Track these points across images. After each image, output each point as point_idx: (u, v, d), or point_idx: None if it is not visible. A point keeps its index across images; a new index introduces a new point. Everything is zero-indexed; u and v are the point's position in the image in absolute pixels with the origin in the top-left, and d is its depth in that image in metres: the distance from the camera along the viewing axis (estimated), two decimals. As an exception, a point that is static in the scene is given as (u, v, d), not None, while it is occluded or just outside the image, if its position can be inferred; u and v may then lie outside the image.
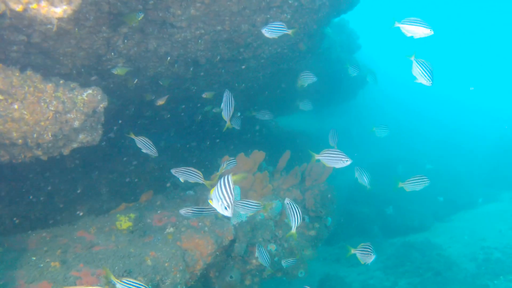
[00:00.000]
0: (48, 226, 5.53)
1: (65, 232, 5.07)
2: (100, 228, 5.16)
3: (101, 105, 4.89)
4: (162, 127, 10.53)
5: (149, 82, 8.51)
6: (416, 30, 5.09)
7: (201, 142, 10.34)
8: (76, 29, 6.02)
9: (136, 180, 7.75)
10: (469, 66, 42.65)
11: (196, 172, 5.06)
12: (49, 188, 6.63)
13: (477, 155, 20.13)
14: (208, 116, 9.91)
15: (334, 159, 5.29)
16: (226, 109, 5.51)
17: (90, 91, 4.72)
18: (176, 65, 8.10)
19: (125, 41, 6.71)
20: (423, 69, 4.92)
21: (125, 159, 8.01)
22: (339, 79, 12.53)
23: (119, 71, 7.13)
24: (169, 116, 9.67)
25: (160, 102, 7.35)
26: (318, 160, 5.50)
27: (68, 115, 4.66)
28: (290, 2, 7.04)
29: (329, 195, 6.97)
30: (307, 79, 8.02)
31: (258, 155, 6.31)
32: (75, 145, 5.44)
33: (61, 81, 4.79)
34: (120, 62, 7.35)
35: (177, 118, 10.19)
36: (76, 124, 4.74)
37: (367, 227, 12.78)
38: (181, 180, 5.10)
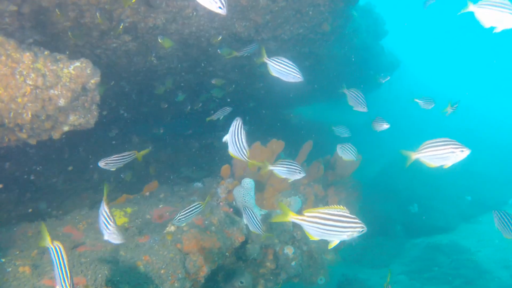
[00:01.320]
0: (36, 219, 4.81)
1: (51, 228, 4.34)
2: (91, 223, 4.41)
3: (92, 81, 4.11)
4: (171, 114, 9.79)
5: (160, 63, 7.75)
6: (503, 18, 3.57)
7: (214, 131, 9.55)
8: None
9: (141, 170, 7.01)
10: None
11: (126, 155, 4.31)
12: (38, 175, 5.92)
13: (507, 152, 18.88)
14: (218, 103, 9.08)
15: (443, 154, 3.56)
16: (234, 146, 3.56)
17: (78, 64, 3.94)
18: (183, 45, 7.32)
19: (129, 14, 5.94)
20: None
21: (126, 146, 7.27)
22: (365, 67, 11.58)
23: (165, 42, 6.30)
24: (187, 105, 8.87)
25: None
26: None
27: (51, 91, 3.89)
28: (315, -28, 6.16)
29: (355, 193, 6.12)
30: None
31: (277, 145, 5.47)
32: (66, 128, 4.69)
33: (46, 52, 4.02)
34: (127, 39, 6.59)
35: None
36: (62, 102, 3.97)
37: (389, 225, 11.85)
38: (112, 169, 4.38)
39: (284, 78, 4.31)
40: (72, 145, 6.73)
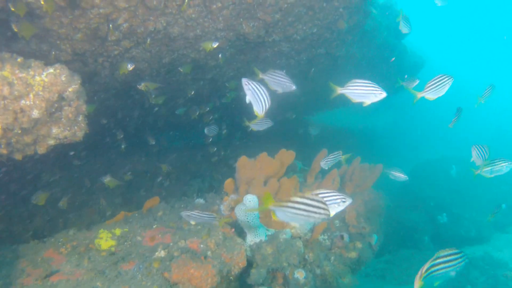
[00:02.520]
0: (21, 241, 4.37)
1: (32, 251, 3.88)
2: (76, 246, 3.94)
3: (70, 89, 3.64)
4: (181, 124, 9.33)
5: (167, 71, 7.29)
6: (366, 96, 4.17)
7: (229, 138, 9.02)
8: None
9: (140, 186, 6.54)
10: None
11: (209, 214, 3.85)
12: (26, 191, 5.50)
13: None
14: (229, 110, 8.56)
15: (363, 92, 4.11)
16: (259, 102, 3.74)
17: (51, 70, 3.48)
18: (190, 50, 6.84)
19: (127, 18, 5.50)
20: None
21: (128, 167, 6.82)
22: (386, 68, 10.86)
23: (184, 68, 6.01)
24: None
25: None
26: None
27: (22, 101, 3.44)
28: (325, -38, 5.57)
29: (376, 206, 5.46)
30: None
31: (286, 156, 4.88)
32: (51, 142, 4.25)
33: (19, 59, 3.57)
34: (127, 45, 6.17)
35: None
36: (36, 113, 3.51)
37: (417, 237, 11.02)
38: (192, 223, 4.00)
39: (280, 90, 4.37)
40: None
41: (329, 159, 4.41)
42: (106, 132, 7.40)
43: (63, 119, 4.06)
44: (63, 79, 3.49)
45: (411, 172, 14.56)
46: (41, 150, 4.30)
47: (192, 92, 7.15)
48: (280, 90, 4.34)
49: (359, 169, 5.54)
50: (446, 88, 4.64)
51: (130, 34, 5.90)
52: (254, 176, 4.58)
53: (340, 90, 4.25)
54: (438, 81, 4.65)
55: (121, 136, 7.08)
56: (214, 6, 5.70)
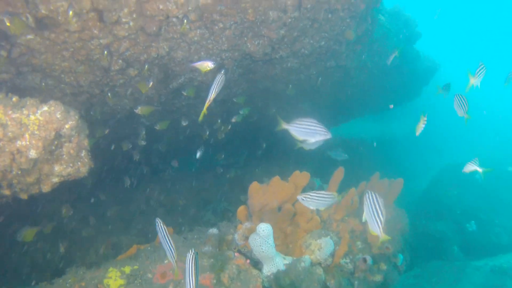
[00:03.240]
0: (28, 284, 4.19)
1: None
2: (84, 287, 3.74)
3: (67, 126, 3.48)
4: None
5: (175, 96, 7.15)
6: (309, 135, 4.06)
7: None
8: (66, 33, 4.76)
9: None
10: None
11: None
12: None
13: None
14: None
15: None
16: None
17: (45, 108, 3.33)
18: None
19: (128, 46, 5.37)
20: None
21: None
22: (399, 75, 10.53)
23: (189, 92, 5.89)
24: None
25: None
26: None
27: (18, 142, 3.28)
28: (326, -28, 5.36)
29: (398, 224, 5.13)
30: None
31: (301, 178, 4.61)
32: (55, 180, 4.10)
33: (14, 99, 3.43)
34: (132, 73, 6.04)
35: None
36: (33, 154, 3.35)
37: (445, 247, 10.50)
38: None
39: (312, 139, 4.08)
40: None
41: (312, 198, 3.94)
42: (116, 162, 7.28)
43: (64, 156, 3.90)
44: (58, 116, 3.33)
45: (434, 178, 14.08)
46: (46, 188, 4.15)
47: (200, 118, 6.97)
48: (312, 140, 4.05)
49: (378, 185, 5.23)
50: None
51: (133, 62, 5.78)
52: (267, 202, 4.33)
53: (285, 126, 4.12)
54: (482, 68, 5.06)
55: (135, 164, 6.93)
56: (216, 27, 5.53)
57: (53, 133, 3.38)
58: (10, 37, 4.57)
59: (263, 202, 4.34)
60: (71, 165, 3.99)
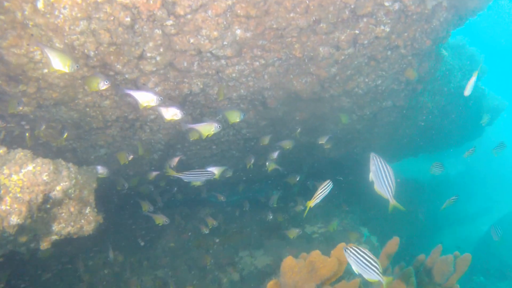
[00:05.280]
0: None
1: None
2: None
3: (58, 188, 2.78)
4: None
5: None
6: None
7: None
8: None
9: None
10: None
11: None
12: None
13: None
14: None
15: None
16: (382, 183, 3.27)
17: (30, 167, 2.64)
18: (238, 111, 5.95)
19: (157, 82, 4.72)
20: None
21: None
22: (460, 114, 9.33)
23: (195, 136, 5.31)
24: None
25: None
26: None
27: (-3, 207, 2.61)
28: (387, 4, 4.47)
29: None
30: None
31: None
32: (54, 237, 3.43)
33: (1, 151, 2.78)
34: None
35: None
36: (15, 219, 2.66)
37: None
38: None
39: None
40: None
41: (359, 258, 3.11)
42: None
43: (63, 215, 3.21)
44: (45, 178, 2.63)
45: (490, 229, 12.47)
46: (45, 245, 3.48)
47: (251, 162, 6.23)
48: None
49: (440, 263, 4.17)
50: None
51: (164, 98, 5.13)
52: (302, 283, 3.43)
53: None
54: None
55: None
56: (257, 64, 4.78)
57: (41, 195, 2.69)
58: (26, 72, 4.03)
59: (299, 283, 3.45)
60: (72, 223, 3.30)
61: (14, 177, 2.58)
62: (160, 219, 5.64)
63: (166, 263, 6.24)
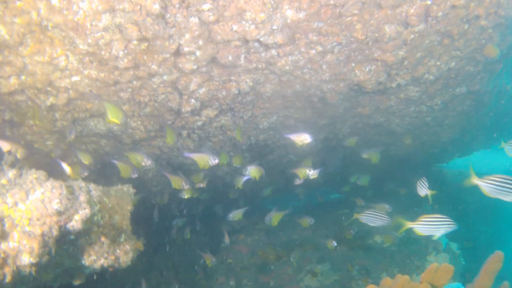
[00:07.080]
0: None
1: None
2: None
3: (76, 217, 2.13)
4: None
5: (265, 137, 5.72)
6: None
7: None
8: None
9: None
10: None
11: None
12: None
13: None
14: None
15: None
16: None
17: (39, 194, 2.00)
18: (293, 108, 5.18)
19: (200, 82, 4.05)
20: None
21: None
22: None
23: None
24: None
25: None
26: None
27: (3, 244, 2.00)
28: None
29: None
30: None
31: (440, 273, 2.78)
32: (88, 271, 2.83)
33: (11, 174, 2.19)
34: (211, 114, 4.73)
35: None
36: (27, 259, 2.04)
37: None
38: None
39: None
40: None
41: None
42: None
43: (94, 246, 2.58)
44: (56, 206, 1.98)
45: None
46: (77, 281, 2.88)
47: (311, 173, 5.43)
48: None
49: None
50: None
51: (210, 100, 4.46)
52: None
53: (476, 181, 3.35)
54: None
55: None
56: (313, 52, 3.98)
57: (56, 227, 2.05)
58: (53, 82, 3.50)
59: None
60: (105, 255, 2.66)
61: (21, 206, 1.96)
62: (209, 259, 5.13)
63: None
